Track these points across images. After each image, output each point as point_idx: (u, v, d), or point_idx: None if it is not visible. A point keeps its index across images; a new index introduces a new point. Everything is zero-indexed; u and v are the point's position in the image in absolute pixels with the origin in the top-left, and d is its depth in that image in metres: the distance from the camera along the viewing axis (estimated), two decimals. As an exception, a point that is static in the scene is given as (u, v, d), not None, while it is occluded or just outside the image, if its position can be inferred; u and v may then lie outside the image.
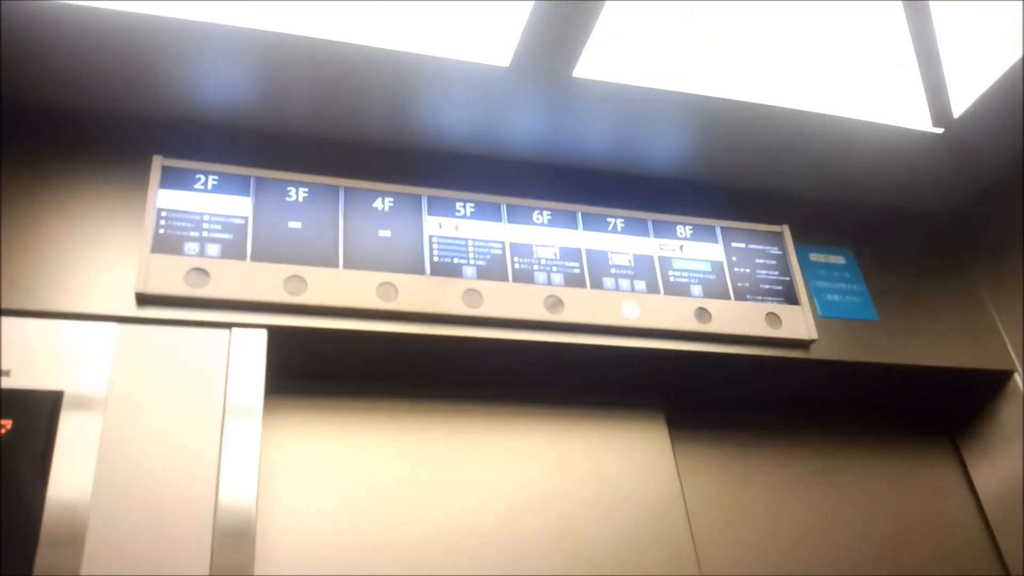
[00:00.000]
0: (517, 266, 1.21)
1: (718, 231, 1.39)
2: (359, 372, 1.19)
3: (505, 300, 1.17)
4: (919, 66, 1.26)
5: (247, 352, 1.03)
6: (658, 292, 1.27)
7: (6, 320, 0.96)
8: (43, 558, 0.85)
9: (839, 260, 1.48)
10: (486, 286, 1.17)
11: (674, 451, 1.33)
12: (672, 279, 1.29)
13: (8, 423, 0.91)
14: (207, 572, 0.89)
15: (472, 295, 1.16)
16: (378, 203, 1.19)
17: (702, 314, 1.27)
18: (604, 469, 1.27)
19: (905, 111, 1.34)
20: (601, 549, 1.19)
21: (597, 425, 1.31)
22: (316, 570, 1.05)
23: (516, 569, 1.14)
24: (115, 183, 1.11)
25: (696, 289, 1.30)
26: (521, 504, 1.20)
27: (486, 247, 1.21)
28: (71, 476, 0.90)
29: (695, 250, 1.35)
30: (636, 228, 1.33)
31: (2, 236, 1.01)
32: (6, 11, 0.99)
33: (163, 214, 1.07)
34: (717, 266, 1.34)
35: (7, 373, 0.93)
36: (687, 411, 1.38)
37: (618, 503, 1.24)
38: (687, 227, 1.37)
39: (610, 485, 1.25)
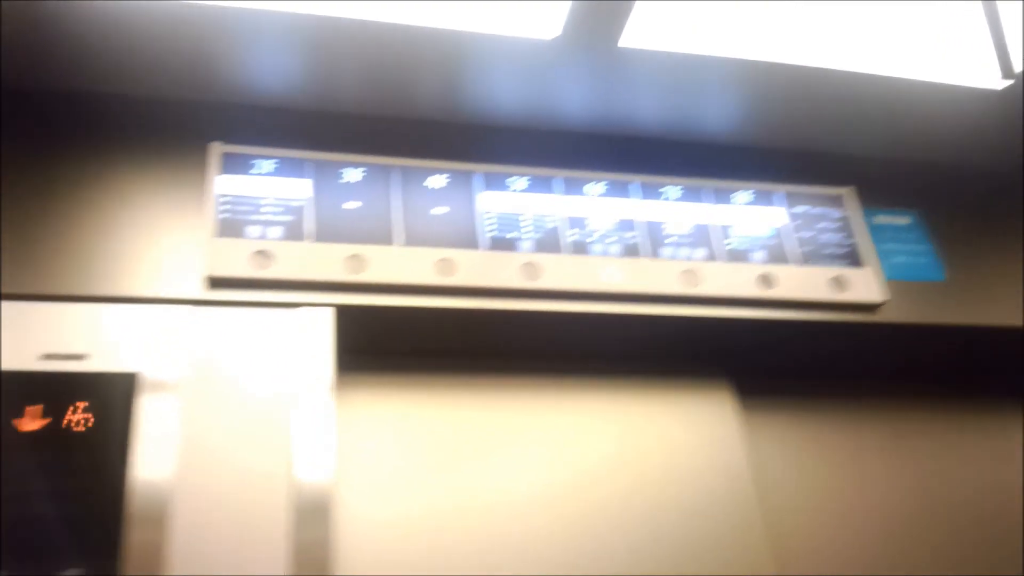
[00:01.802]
0: (573, 238, 1.21)
1: (779, 195, 1.36)
2: (423, 347, 1.20)
3: (562, 272, 1.17)
4: (985, 22, 1.21)
5: (315, 331, 1.04)
6: (719, 259, 1.25)
7: (83, 306, 0.99)
8: (132, 535, 0.88)
9: (905, 221, 1.44)
10: (542, 259, 1.17)
11: (740, 419, 1.32)
12: (733, 245, 1.27)
13: (86, 405, 0.94)
14: (286, 547, 0.92)
15: (529, 268, 1.16)
16: (432, 180, 1.20)
17: (765, 280, 1.25)
18: (668, 439, 1.26)
19: (969, 68, 1.29)
20: (665, 519, 1.19)
21: (660, 395, 1.30)
22: (392, 542, 1.07)
23: (581, 537, 1.15)
24: (176, 170, 1.13)
25: (758, 255, 1.27)
26: (585, 474, 1.20)
27: (541, 220, 1.21)
28: (153, 456, 0.93)
29: (756, 215, 1.32)
30: (694, 195, 1.31)
31: (74, 226, 1.04)
32: (67, 7, 1.02)
33: (224, 199, 1.09)
34: (779, 231, 1.31)
35: (85, 357, 0.97)
36: (753, 379, 1.37)
37: (683, 472, 1.24)
38: (747, 192, 1.34)
39: (674, 455, 1.25)
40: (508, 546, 1.13)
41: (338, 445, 1.04)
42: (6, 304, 0.97)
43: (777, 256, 1.28)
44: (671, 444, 1.26)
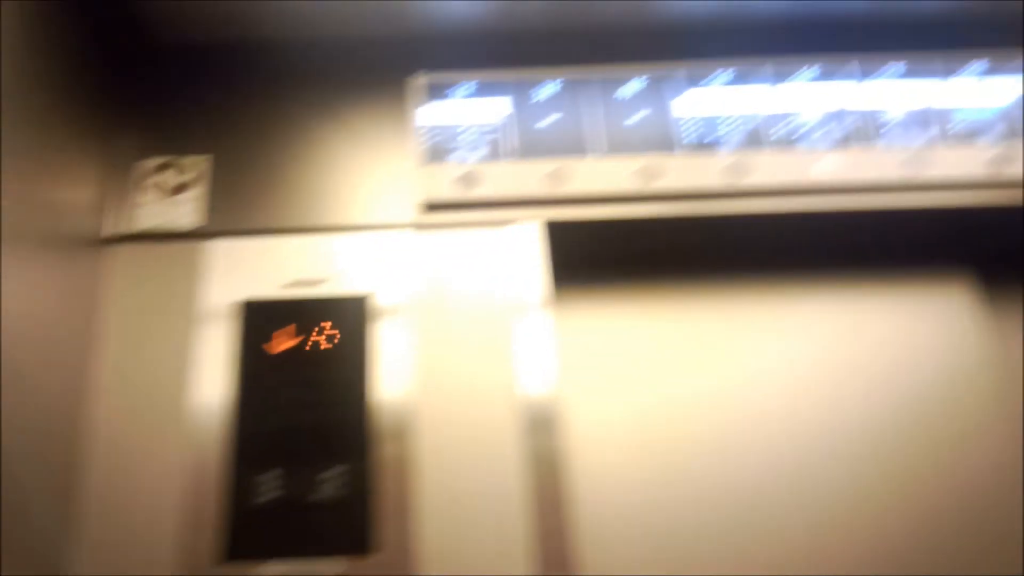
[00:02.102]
0: (780, 132, 1.14)
1: (1013, 64, 1.20)
2: (630, 256, 1.20)
3: (769, 169, 1.11)
4: None
5: (525, 247, 1.08)
6: (946, 140, 1.14)
7: (316, 237, 1.08)
8: (381, 452, 0.97)
9: None
10: (748, 156, 1.12)
11: (982, 315, 1.21)
12: (962, 125, 1.15)
13: (329, 325, 1.03)
14: (521, 460, 0.97)
15: (734, 167, 1.11)
16: (628, 86, 1.17)
17: (1003, 160, 1.12)
18: (900, 338, 1.19)
19: None
20: (903, 421, 1.13)
21: (890, 292, 1.22)
22: (617, 452, 1.11)
23: (811, 444, 1.12)
24: (379, 105, 1.18)
25: (993, 133, 1.14)
26: (813, 379, 1.16)
27: (744, 116, 1.16)
28: (391, 372, 1.00)
29: (988, 88, 1.18)
30: (913, 73, 1.19)
31: (298, 168, 1.13)
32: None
33: (427, 128, 1.14)
34: (1017, 104, 1.17)
35: (323, 282, 1.06)
36: (997, 271, 1.24)
37: (918, 374, 1.16)
38: (976, 63, 1.20)
39: (909, 354, 1.18)
40: (733, 452, 1.12)
41: (558, 360, 1.07)
42: (253, 240, 1.08)
43: (1017, 132, 1.14)
44: (903, 343, 1.19)
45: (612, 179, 1.10)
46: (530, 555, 0.92)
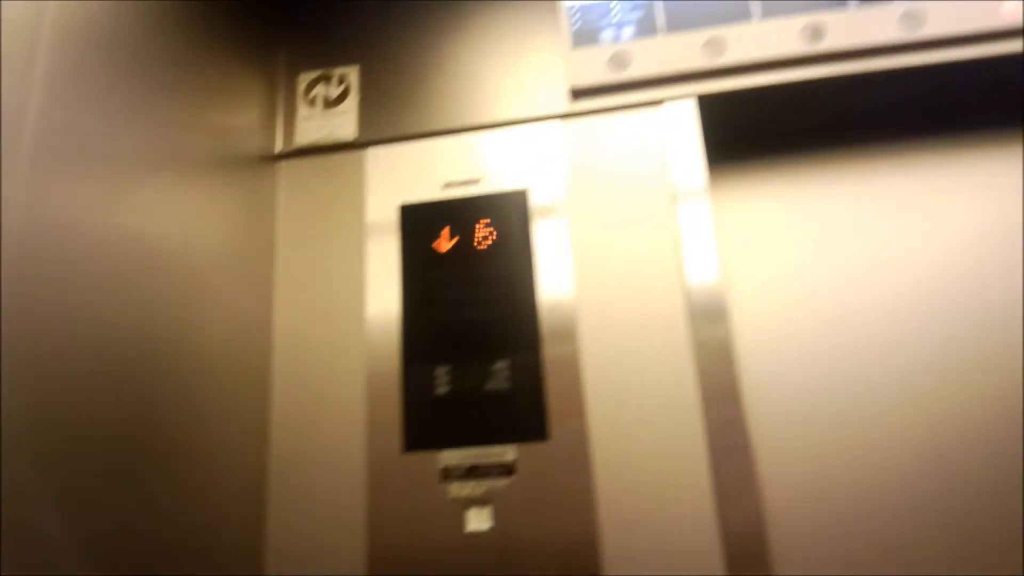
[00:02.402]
0: (961, -28, 1.03)
1: None
2: (792, 126, 1.13)
3: (946, 16, 1.01)
4: None
5: (681, 125, 1.03)
6: None
7: (469, 136, 1.08)
8: (547, 345, 0.97)
9: None
10: (925, 6, 1.02)
11: None
12: None
13: (487, 222, 1.04)
14: (691, 349, 0.95)
15: (909, 18, 1.01)
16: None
17: None
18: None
19: None
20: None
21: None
22: (786, 337, 1.07)
23: (962, 313, 1.04)
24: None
25: None
26: (990, 244, 1.07)
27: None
28: (552, 266, 1.00)
29: None
30: None
31: (445, 70, 1.12)
32: None
33: (574, 9, 1.10)
34: None
35: (479, 181, 1.06)
36: None
37: None
38: None
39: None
40: (901, 327, 1.06)
41: (721, 240, 1.04)
42: (408, 145, 1.09)
43: None
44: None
45: (773, 43, 1.03)
46: (701, 445, 0.91)
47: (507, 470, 0.93)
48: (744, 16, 1.04)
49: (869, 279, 1.09)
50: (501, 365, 0.97)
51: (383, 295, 1.03)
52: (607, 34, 1.07)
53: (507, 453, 0.94)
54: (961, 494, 0.99)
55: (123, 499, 0.71)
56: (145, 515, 0.74)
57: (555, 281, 0.99)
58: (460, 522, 0.92)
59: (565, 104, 1.07)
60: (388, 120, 1.11)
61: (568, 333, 0.97)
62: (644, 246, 1.00)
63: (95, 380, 0.70)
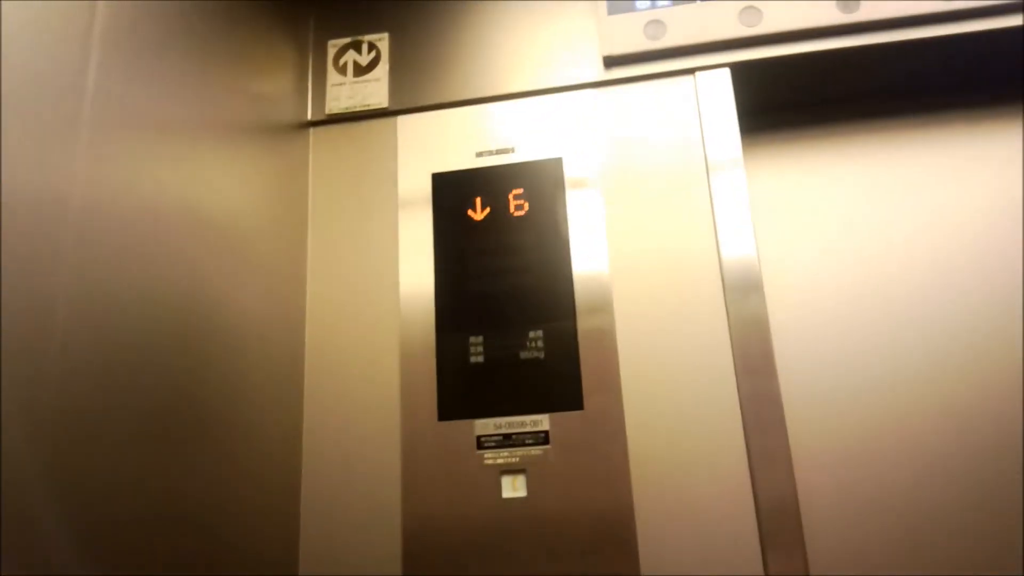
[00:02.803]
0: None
1: None
2: (827, 97, 1.13)
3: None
4: None
5: (715, 95, 1.03)
6: None
7: (502, 105, 1.08)
8: (582, 316, 0.97)
9: None
10: (963, -26, 1.01)
11: None
12: None
13: (520, 192, 1.04)
14: (725, 322, 0.95)
15: (948, -13, 1.01)
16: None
17: None
18: None
19: None
20: None
21: None
22: (822, 309, 1.07)
23: (1014, 282, 1.04)
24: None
25: None
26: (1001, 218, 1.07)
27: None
28: (585, 239, 1.00)
29: None
30: None
31: (478, 38, 1.11)
32: None
33: (608, -25, 1.09)
34: None
35: (512, 150, 1.06)
36: None
37: None
38: None
39: None
40: (934, 298, 1.06)
41: (755, 209, 1.04)
42: (440, 114, 1.09)
43: None
44: None
45: (809, 12, 1.02)
46: (735, 418, 0.92)
47: (542, 439, 0.94)
48: (781, -17, 1.03)
49: (902, 251, 1.09)
50: (535, 334, 0.97)
51: (416, 264, 1.03)
52: (643, 2, 1.06)
53: (542, 422, 0.94)
54: (992, 463, 1.00)
55: (165, 461, 0.72)
56: (185, 479, 0.75)
57: (589, 251, 0.99)
58: (495, 490, 0.93)
59: (598, 72, 1.06)
60: (419, 88, 1.11)
61: (603, 304, 0.97)
62: (678, 217, 0.99)
63: (144, 341, 0.70)
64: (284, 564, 0.93)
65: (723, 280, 0.96)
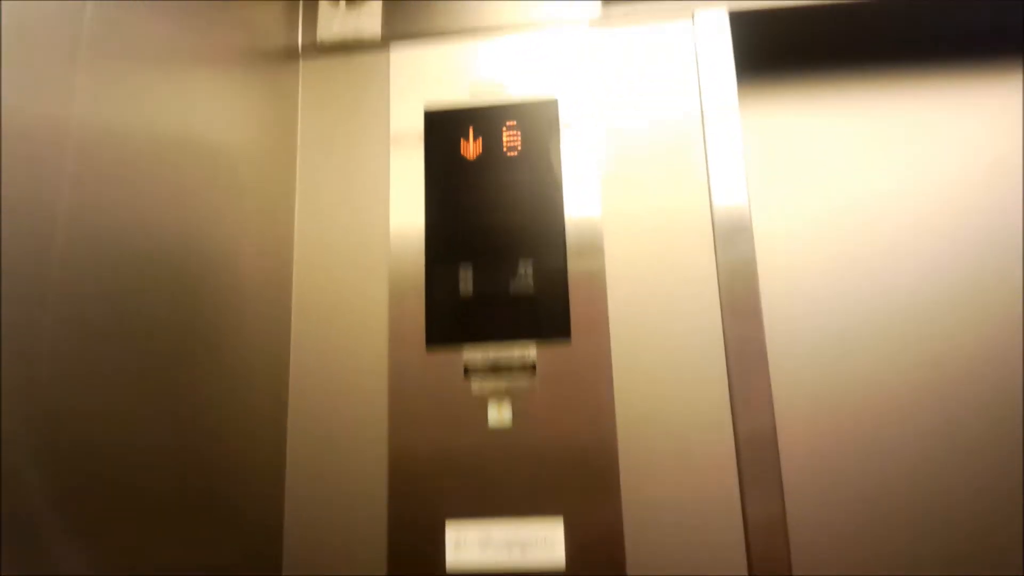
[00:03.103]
0: None
1: None
2: (824, 46, 1.13)
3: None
4: None
5: (713, 40, 1.03)
6: None
7: (496, 39, 1.07)
8: (572, 261, 0.97)
9: None
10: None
11: None
12: None
13: (513, 124, 1.03)
14: (715, 266, 0.96)
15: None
16: None
17: None
18: None
19: None
20: None
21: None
22: (813, 257, 1.08)
23: (1006, 235, 1.06)
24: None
25: None
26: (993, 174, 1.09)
27: None
28: (577, 179, 1.00)
29: None
30: None
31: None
32: None
33: (608, -85, 1.08)
34: None
35: (506, 86, 1.05)
36: None
37: None
38: None
39: None
40: (926, 250, 1.08)
41: (747, 157, 1.04)
42: (434, 47, 1.08)
43: None
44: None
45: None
46: (719, 359, 0.93)
47: (529, 369, 0.94)
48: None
49: (897, 202, 1.10)
50: (525, 265, 0.97)
51: (407, 197, 1.02)
52: (642, -61, 1.05)
53: (529, 352, 0.95)
54: (978, 415, 1.02)
55: (157, 379, 0.72)
56: (174, 398, 0.75)
57: (581, 192, 0.99)
58: (482, 420, 0.94)
59: (596, 10, 1.06)
60: (412, 17, 1.09)
61: (593, 245, 0.97)
62: (672, 163, 1.00)
63: (139, 263, 0.69)
64: (271, 487, 0.93)
65: (714, 226, 0.96)
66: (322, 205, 1.04)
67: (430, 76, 1.06)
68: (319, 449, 0.96)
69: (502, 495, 0.91)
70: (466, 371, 0.95)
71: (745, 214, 0.96)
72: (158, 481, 0.70)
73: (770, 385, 0.91)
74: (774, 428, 0.90)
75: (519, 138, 1.02)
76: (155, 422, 0.70)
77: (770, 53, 1.12)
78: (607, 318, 0.95)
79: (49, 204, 0.59)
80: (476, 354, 0.95)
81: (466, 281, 0.98)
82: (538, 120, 1.03)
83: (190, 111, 0.80)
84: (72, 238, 0.61)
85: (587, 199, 0.99)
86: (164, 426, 0.72)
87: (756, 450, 0.90)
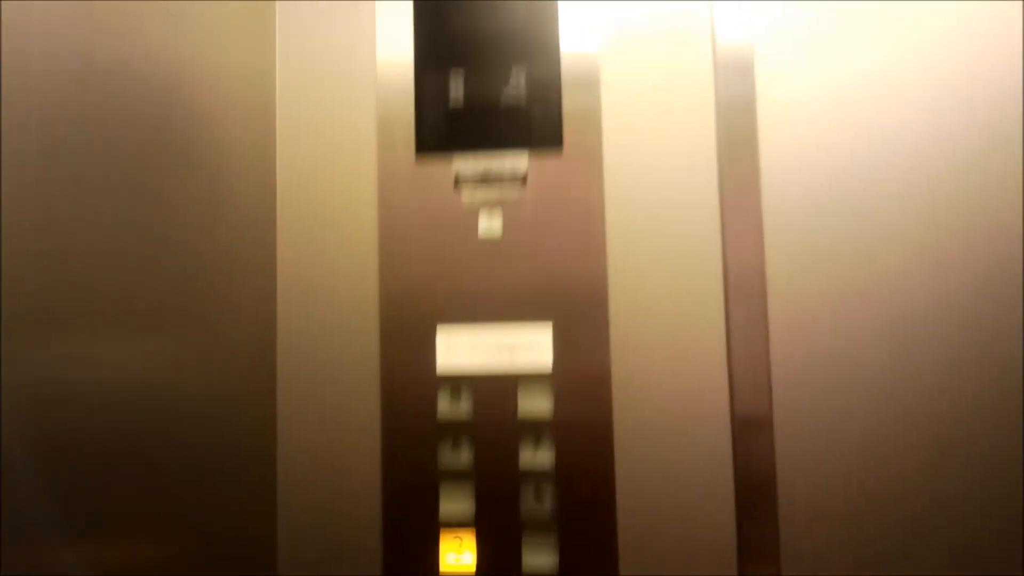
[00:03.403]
0: None
1: None
2: None
3: None
4: None
5: None
6: None
7: None
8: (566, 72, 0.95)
9: None
10: None
11: None
12: None
13: None
14: (713, 107, 0.94)
15: None
16: None
17: None
18: None
19: None
20: None
21: None
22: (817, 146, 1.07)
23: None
24: None
25: None
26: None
27: None
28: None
29: None
30: None
31: None
32: None
33: None
34: None
35: None
36: None
37: None
38: None
39: None
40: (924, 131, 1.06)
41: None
42: None
43: None
44: None
45: None
46: (714, 196, 0.93)
47: (520, 180, 0.94)
48: None
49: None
50: (518, 73, 0.95)
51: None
52: None
53: (519, 161, 0.94)
54: (971, 328, 1.03)
55: (144, 200, 0.71)
56: (161, 222, 0.74)
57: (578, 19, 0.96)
58: (472, 228, 0.94)
59: None
60: None
61: (590, 61, 0.95)
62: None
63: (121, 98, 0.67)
64: (261, 305, 0.94)
65: (715, 62, 0.94)
66: (306, 10, 1.00)
67: None
68: (308, 260, 0.96)
69: (493, 302, 0.92)
70: (456, 181, 0.94)
71: (748, 53, 0.94)
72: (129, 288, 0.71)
73: (761, 223, 0.92)
74: (764, 268, 0.91)
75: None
76: (137, 240, 0.70)
77: None
78: (600, 133, 0.94)
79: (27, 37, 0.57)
80: (467, 164, 0.94)
81: (457, 85, 0.95)
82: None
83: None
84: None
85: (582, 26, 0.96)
86: (148, 241, 0.71)
87: (744, 282, 0.92)
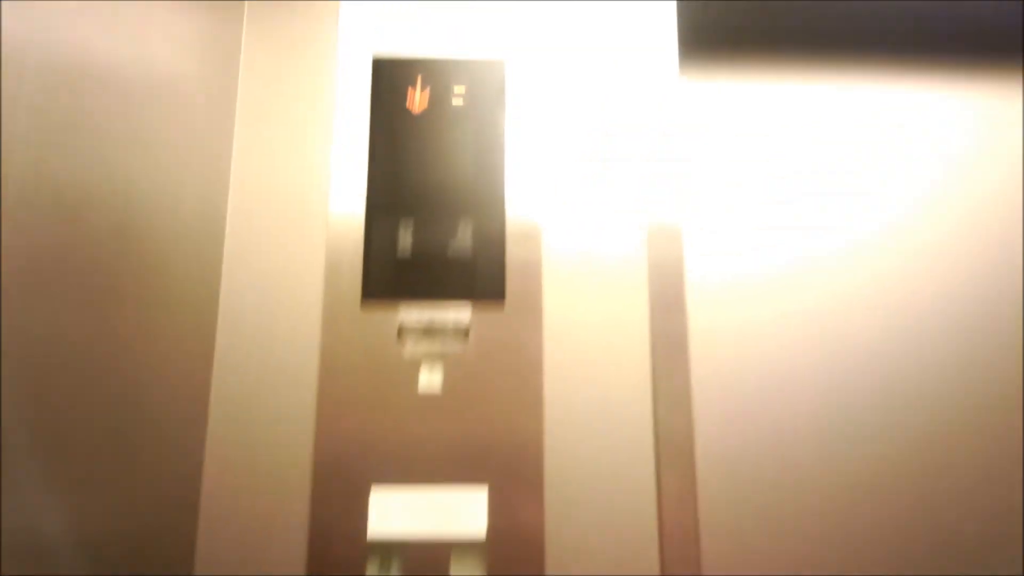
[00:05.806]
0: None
1: None
2: (776, 27, 1.16)
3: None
4: None
5: (656, 17, 1.03)
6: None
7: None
8: (510, 214, 0.97)
9: None
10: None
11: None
12: None
13: (463, 88, 1.01)
14: (646, 267, 0.97)
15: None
16: None
17: None
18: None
19: None
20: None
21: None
22: (743, 311, 1.11)
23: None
24: None
25: None
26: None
27: None
28: (521, 139, 0.99)
29: None
30: None
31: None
32: None
33: None
34: None
35: (455, 42, 1.03)
36: None
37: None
38: None
39: None
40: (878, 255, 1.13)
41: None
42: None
43: None
44: None
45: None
46: (647, 362, 0.95)
47: (463, 332, 0.93)
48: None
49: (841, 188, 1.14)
50: (464, 227, 0.96)
51: (349, 147, 0.98)
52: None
53: (462, 311, 0.94)
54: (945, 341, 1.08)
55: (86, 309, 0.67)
56: (103, 337, 0.70)
57: (524, 151, 0.99)
58: (413, 381, 0.92)
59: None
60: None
61: (532, 208, 0.97)
62: (621, 126, 1.01)
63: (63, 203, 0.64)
64: (191, 436, 0.88)
65: (649, 230, 0.98)
66: (261, 149, 0.99)
67: (378, 24, 1.02)
68: (245, 397, 0.91)
69: (429, 461, 0.90)
70: (400, 332, 0.93)
71: (678, 231, 0.98)
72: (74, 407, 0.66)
73: (690, 388, 0.94)
74: (692, 435, 0.93)
75: (465, 95, 1.00)
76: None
77: (717, 28, 1.14)
78: (541, 284, 0.95)
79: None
80: (411, 314, 0.93)
81: (405, 235, 0.95)
82: (486, 79, 1.01)
83: (127, 39, 0.74)
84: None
85: (528, 158, 0.98)
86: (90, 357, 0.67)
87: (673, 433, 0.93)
